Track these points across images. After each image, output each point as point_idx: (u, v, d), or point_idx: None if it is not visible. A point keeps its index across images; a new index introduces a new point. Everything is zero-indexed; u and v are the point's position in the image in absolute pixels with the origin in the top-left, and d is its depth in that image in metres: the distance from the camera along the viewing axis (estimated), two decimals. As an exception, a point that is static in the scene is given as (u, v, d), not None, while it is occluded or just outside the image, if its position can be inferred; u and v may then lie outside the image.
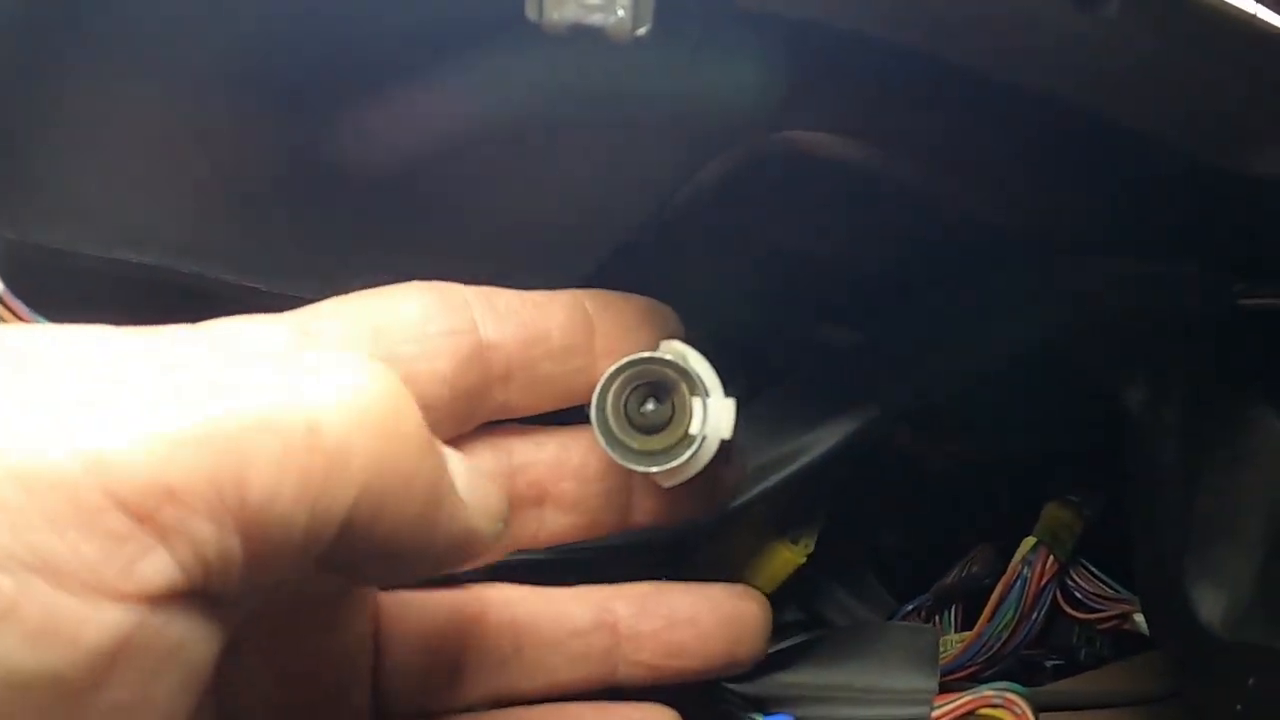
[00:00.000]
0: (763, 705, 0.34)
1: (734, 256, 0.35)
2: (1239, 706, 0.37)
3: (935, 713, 0.34)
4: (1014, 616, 0.44)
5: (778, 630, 0.40)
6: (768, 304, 0.37)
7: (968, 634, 0.45)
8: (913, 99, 0.29)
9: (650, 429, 0.29)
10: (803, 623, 0.47)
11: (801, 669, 0.36)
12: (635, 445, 0.28)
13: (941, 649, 0.46)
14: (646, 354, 0.28)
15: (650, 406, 0.29)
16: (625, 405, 0.29)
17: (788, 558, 0.41)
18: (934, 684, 0.35)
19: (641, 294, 0.31)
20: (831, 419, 0.35)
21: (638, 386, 0.29)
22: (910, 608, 0.48)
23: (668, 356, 0.28)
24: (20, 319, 0.32)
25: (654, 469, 0.28)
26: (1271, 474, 0.35)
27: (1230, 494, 0.37)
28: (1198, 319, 0.33)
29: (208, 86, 0.34)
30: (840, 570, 0.46)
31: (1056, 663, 0.49)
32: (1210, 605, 0.37)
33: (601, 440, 0.28)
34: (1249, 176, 0.26)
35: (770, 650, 0.36)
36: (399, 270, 0.36)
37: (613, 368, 0.28)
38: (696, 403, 0.28)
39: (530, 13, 0.23)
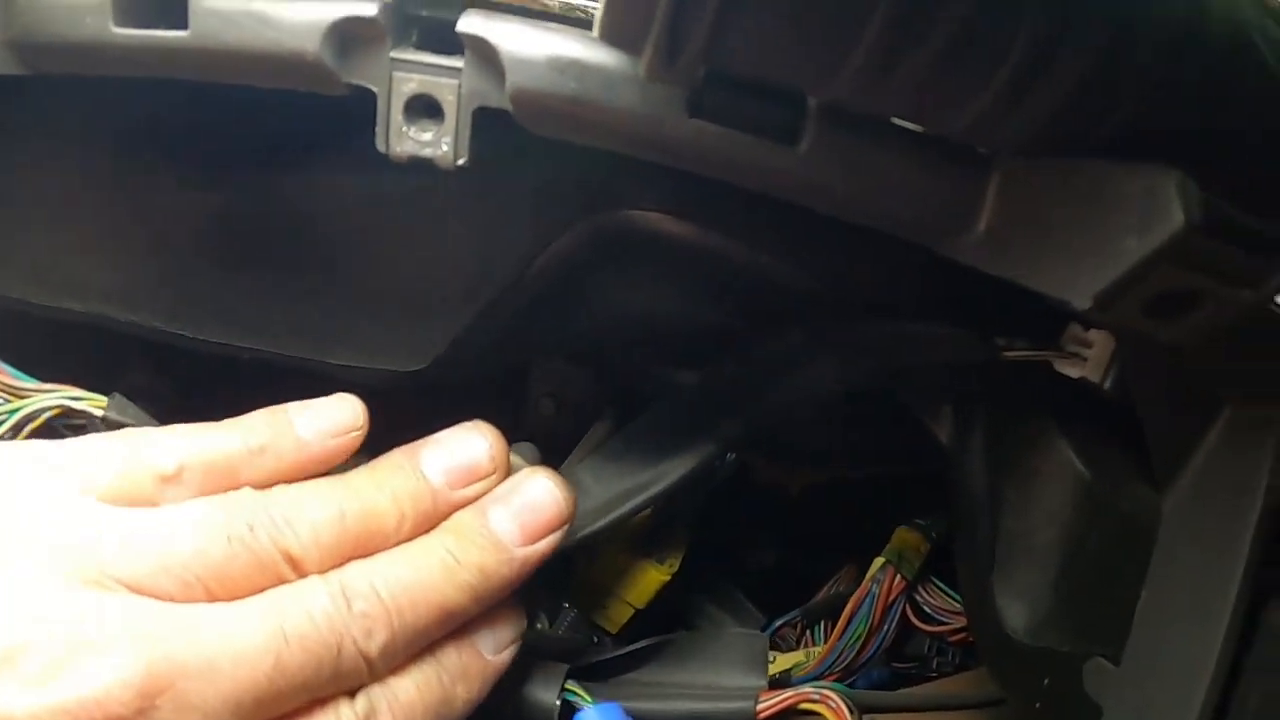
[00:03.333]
0: (612, 699, 0.39)
1: (591, 311, 0.41)
2: (1037, 704, 0.42)
3: (760, 707, 0.39)
4: (864, 630, 0.49)
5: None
6: (622, 351, 0.43)
7: (826, 647, 0.50)
8: (720, 192, 0.34)
9: None
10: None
11: (649, 668, 0.41)
12: None
13: (805, 660, 0.51)
14: None
15: None
16: None
17: (655, 576, 0.46)
18: (763, 682, 0.41)
19: (512, 344, 0.37)
20: (676, 452, 0.40)
21: None
22: (781, 622, 0.53)
23: None
24: (-7, 369, 0.38)
25: None
26: (1061, 494, 0.41)
27: (1028, 514, 0.42)
28: (970, 367, 0.38)
29: (139, 159, 0.40)
30: (711, 588, 0.51)
31: (933, 675, 0.55)
32: (1014, 614, 0.43)
33: None
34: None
35: (623, 651, 0.41)
36: (305, 321, 0.42)
37: None
38: None
39: (379, 146, 0.30)
